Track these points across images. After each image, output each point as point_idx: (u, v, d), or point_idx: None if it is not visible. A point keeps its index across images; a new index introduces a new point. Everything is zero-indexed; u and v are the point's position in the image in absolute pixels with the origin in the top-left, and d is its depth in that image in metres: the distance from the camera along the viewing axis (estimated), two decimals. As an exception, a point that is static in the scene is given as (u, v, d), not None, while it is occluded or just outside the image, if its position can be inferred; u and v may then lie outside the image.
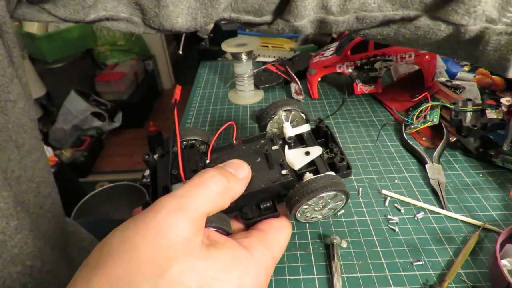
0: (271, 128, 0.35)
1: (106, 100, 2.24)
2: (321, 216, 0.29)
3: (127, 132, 2.36)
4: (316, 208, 0.28)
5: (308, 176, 0.28)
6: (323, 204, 0.28)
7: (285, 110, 0.34)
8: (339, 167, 0.30)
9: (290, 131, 0.33)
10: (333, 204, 0.28)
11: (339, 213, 0.47)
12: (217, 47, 0.97)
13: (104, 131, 2.22)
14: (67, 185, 1.59)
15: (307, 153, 0.31)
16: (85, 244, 0.51)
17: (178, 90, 0.28)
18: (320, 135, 0.34)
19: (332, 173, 0.29)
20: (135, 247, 0.18)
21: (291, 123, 0.35)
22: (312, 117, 0.34)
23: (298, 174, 0.30)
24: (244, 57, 0.71)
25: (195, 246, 0.20)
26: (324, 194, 0.26)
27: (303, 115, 0.35)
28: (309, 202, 0.26)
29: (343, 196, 0.28)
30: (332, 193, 0.26)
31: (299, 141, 0.34)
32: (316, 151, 0.31)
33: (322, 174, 0.27)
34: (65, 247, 0.41)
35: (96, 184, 1.83)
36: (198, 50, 0.99)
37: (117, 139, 2.32)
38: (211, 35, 0.98)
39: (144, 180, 1.55)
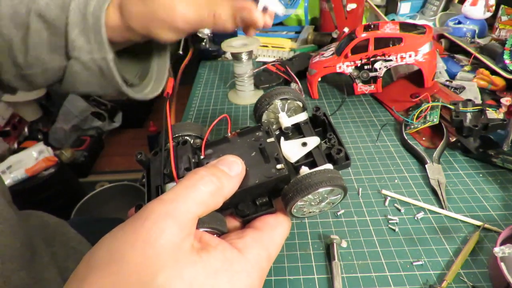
0: (267, 118, 0.34)
1: (106, 100, 2.24)
2: (318, 211, 0.28)
3: (127, 132, 2.36)
4: (313, 203, 0.27)
5: (304, 170, 0.27)
6: (320, 199, 0.27)
7: (280, 99, 0.33)
8: (337, 159, 0.28)
9: (286, 121, 0.32)
10: (331, 198, 0.27)
11: (339, 213, 0.47)
12: (217, 47, 0.97)
13: (104, 131, 2.22)
14: (67, 185, 1.59)
15: (304, 144, 0.29)
16: (73, 244, 0.50)
17: (170, 83, 0.27)
18: (318, 124, 0.33)
19: (330, 165, 0.28)
20: (122, 258, 0.18)
21: (287, 112, 0.33)
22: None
23: (295, 167, 0.29)
24: (244, 57, 0.71)
25: (184, 252, 0.20)
26: (319, 190, 0.25)
27: (299, 103, 0.34)
28: (304, 199, 0.25)
29: (340, 190, 0.27)
30: (329, 188, 0.25)
31: (297, 130, 0.32)
32: (313, 141, 0.29)
33: (317, 169, 0.26)
34: (32, 248, 0.40)
35: (96, 184, 1.83)
36: (198, 50, 0.99)
37: (117, 139, 2.32)
38: (211, 35, 0.98)
39: (144, 180, 1.55)
